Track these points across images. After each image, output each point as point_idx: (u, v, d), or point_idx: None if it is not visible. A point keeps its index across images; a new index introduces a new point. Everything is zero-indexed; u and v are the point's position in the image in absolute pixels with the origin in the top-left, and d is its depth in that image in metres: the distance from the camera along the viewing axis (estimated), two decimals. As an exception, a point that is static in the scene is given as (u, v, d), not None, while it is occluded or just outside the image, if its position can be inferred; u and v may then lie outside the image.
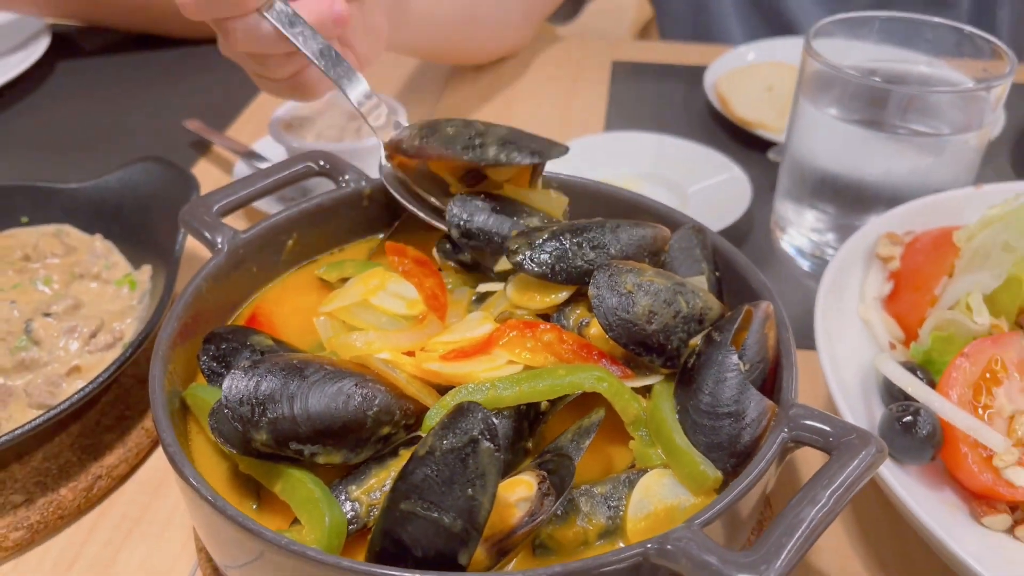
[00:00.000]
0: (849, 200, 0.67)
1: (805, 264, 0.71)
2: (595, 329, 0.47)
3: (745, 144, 0.87)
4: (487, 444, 0.37)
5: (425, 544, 0.36)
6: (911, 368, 0.53)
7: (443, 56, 0.92)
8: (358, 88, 0.58)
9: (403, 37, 0.76)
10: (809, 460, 0.56)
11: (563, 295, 0.49)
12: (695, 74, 0.97)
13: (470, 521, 0.36)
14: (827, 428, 0.41)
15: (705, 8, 1.10)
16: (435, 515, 0.36)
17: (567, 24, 1.17)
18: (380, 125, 0.58)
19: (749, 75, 0.92)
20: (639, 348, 0.45)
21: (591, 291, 0.45)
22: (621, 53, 1.06)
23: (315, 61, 0.56)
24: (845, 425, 0.40)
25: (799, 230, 0.71)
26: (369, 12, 0.64)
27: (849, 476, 0.38)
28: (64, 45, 1.06)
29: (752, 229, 0.76)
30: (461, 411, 0.39)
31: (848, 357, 0.55)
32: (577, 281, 0.48)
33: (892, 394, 0.53)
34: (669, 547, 0.36)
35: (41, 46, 1.00)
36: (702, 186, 0.76)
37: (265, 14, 0.56)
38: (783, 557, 0.35)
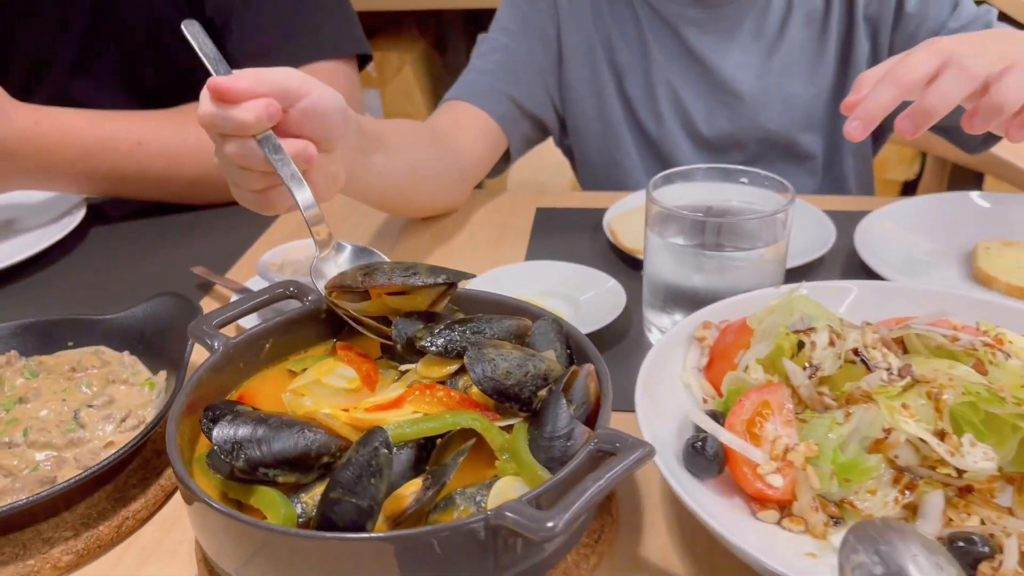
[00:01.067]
0: (687, 304, 0.89)
1: (665, 352, 0.92)
2: (475, 389, 0.68)
3: (630, 266, 1.10)
4: (383, 450, 0.58)
5: (345, 518, 0.56)
6: (714, 415, 0.73)
7: (393, 207, 1.15)
8: (310, 207, 0.79)
9: (361, 187, 1.00)
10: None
11: (454, 367, 0.70)
12: (599, 215, 1.21)
13: (374, 500, 0.56)
14: (617, 439, 0.61)
15: (617, 164, 1.37)
16: (351, 499, 0.56)
17: (500, 176, 1.42)
18: (321, 239, 0.80)
19: (637, 213, 1.16)
20: (502, 398, 0.66)
21: (466, 360, 0.66)
22: (544, 201, 1.32)
23: (285, 180, 0.77)
24: (629, 437, 0.61)
25: (659, 328, 0.92)
26: (332, 162, 0.86)
27: (623, 466, 0.58)
28: (96, 214, 1.32)
29: (630, 327, 0.97)
30: (369, 433, 0.60)
31: (674, 412, 0.76)
32: (463, 357, 0.70)
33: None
34: (505, 511, 0.55)
35: (78, 217, 1.26)
36: (589, 295, 0.99)
37: (258, 139, 0.78)
38: (569, 512, 0.54)
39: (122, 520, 0.72)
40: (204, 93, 0.77)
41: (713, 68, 1.26)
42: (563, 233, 1.22)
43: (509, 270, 1.06)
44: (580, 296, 0.99)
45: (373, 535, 0.55)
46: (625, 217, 1.16)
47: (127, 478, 0.75)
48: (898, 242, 1.08)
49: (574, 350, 0.74)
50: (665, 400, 0.76)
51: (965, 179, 2.49)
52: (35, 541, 0.69)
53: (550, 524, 0.52)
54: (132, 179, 1.24)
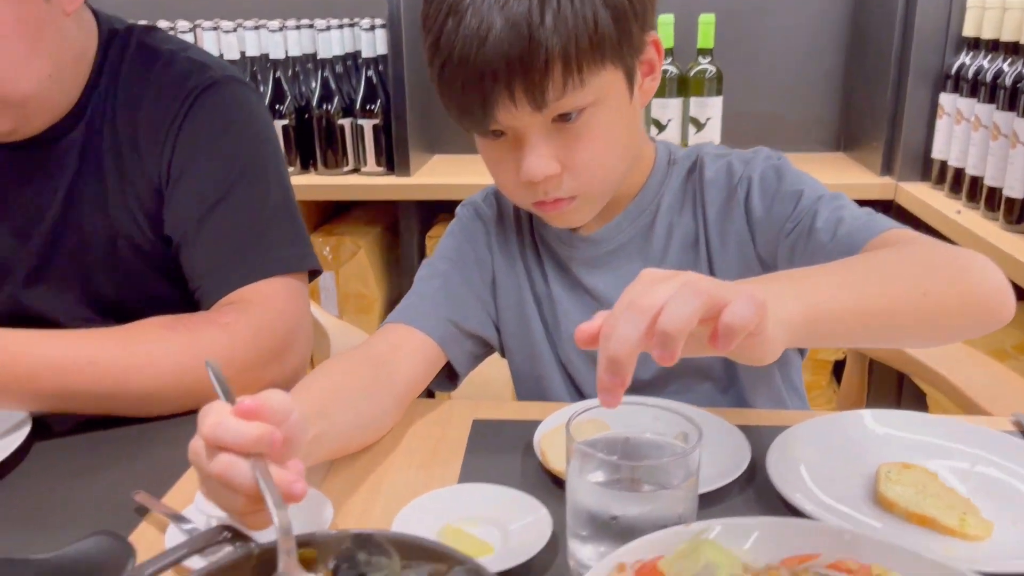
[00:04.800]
0: (608, 536, 0.94)
1: (587, 586, 0.96)
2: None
3: (561, 487, 1.15)
4: None
5: None
6: (626, 663, 0.77)
7: (332, 458, 1.19)
8: (288, 535, 0.81)
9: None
10: None
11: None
12: (533, 427, 1.27)
13: None
14: None
15: (541, 379, 1.47)
16: None
17: (451, 391, 1.49)
18: (286, 565, 0.80)
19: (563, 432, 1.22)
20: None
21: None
22: (480, 412, 1.38)
23: (270, 506, 0.80)
24: None
25: (578, 559, 0.97)
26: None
27: None
28: (41, 428, 1.34)
29: (556, 556, 1.01)
30: None
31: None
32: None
33: None
34: None
35: (23, 433, 1.28)
36: (518, 524, 1.04)
37: (253, 462, 0.83)
38: None
39: None
40: (213, 408, 0.85)
41: (604, 301, 1.37)
42: (498, 449, 1.27)
43: (441, 494, 1.10)
44: (510, 524, 1.04)
45: None
46: (554, 436, 1.22)
47: None
48: (806, 465, 1.15)
49: (492, 597, 0.78)
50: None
51: (886, 372, 2.62)
52: None
53: None
54: (81, 397, 1.28)
